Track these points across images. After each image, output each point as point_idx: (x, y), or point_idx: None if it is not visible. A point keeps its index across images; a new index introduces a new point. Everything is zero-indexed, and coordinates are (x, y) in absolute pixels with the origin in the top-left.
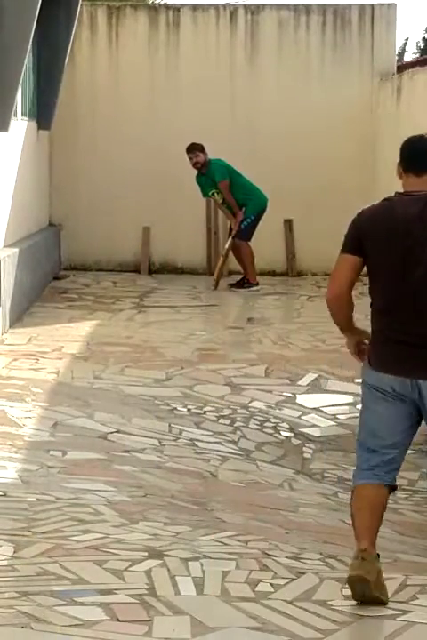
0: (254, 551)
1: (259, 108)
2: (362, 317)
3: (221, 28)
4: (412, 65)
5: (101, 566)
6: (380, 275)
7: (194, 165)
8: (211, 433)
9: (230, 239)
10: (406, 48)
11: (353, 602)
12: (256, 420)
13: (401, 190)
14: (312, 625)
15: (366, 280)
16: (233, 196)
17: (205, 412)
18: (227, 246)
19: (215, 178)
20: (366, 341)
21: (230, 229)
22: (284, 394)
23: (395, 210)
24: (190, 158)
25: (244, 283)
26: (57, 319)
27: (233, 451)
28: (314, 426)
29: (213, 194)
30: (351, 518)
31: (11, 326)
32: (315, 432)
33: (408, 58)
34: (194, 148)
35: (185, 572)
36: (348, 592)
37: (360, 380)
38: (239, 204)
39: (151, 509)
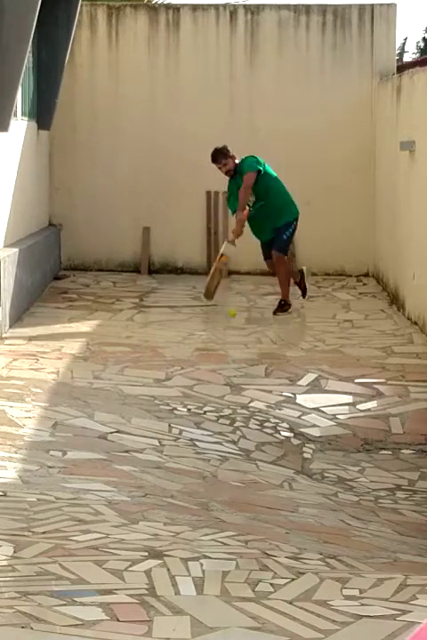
0: (254, 551)
1: (259, 108)
2: (361, 318)
3: (221, 28)
4: (412, 65)
5: (101, 566)
6: None
7: (226, 174)
8: (211, 433)
9: (225, 244)
10: (406, 48)
11: (353, 602)
12: (256, 419)
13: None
14: (312, 625)
15: (366, 280)
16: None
17: (205, 412)
18: (222, 251)
19: (243, 171)
20: None
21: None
22: (284, 394)
23: None
24: (219, 168)
25: (282, 303)
26: (57, 319)
27: (233, 451)
28: (314, 426)
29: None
30: None
31: (11, 326)
32: (315, 432)
33: (407, 58)
34: (219, 157)
35: (185, 572)
36: (348, 592)
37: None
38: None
39: (151, 509)
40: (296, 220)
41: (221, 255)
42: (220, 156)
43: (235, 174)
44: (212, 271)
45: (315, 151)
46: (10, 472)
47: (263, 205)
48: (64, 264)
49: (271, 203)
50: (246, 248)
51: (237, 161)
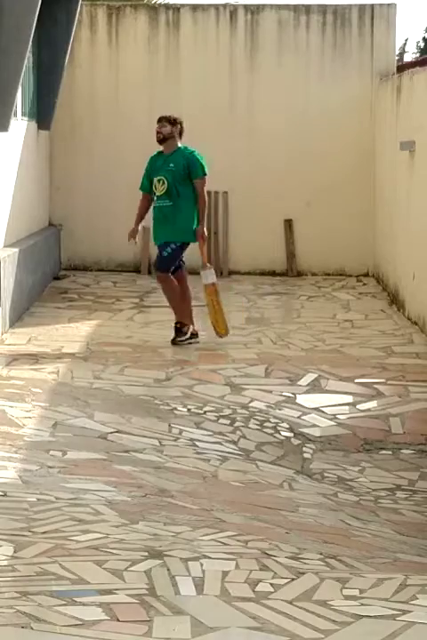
0: (254, 551)
1: (258, 108)
2: (361, 318)
3: (221, 28)
4: (412, 65)
5: (101, 566)
6: None
7: (159, 135)
8: (211, 433)
9: (206, 271)
10: (406, 48)
11: (353, 602)
12: (256, 420)
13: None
14: (312, 625)
15: (366, 280)
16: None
17: (205, 412)
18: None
19: (198, 171)
20: None
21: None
22: (284, 394)
23: None
24: (157, 132)
25: (178, 327)
26: (57, 319)
27: (233, 451)
28: (314, 426)
29: (161, 181)
30: None
31: (11, 326)
32: (315, 432)
33: (408, 58)
34: (162, 119)
35: (185, 572)
36: (348, 592)
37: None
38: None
39: (151, 509)
40: (187, 245)
41: (212, 285)
42: (164, 119)
43: (172, 152)
44: (209, 306)
45: (315, 151)
46: (10, 472)
47: (170, 207)
48: (64, 264)
49: (180, 210)
50: (246, 248)
51: (179, 144)
